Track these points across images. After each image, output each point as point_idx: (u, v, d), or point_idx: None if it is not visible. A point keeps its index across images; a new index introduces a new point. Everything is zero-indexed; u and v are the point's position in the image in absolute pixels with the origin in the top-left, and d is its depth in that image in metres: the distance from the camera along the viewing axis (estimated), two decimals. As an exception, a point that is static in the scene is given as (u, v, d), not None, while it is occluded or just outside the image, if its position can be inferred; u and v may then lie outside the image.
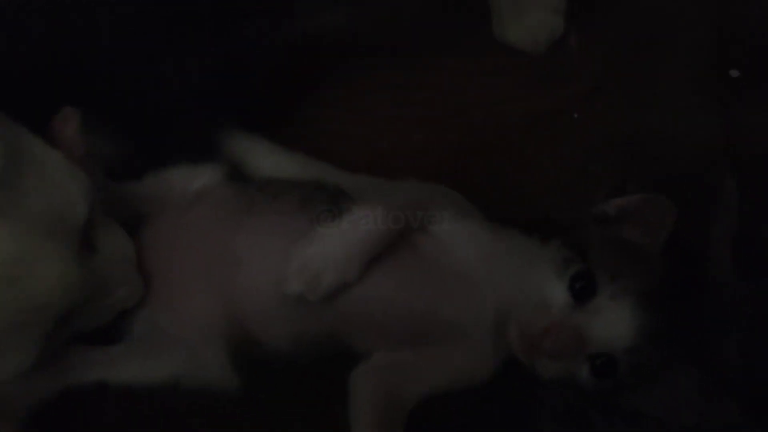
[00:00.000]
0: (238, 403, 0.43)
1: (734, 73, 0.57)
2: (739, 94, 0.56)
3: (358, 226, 0.41)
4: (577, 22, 0.59)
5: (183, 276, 0.44)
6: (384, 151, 0.55)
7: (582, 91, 0.57)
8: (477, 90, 0.58)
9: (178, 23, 0.47)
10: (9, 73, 0.42)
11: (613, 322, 0.39)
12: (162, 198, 0.48)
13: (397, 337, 0.43)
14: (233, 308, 0.43)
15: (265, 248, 0.43)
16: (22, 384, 0.39)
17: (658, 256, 0.43)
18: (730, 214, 0.49)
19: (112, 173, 0.47)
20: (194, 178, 0.48)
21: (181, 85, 0.48)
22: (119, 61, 0.46)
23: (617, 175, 0.52)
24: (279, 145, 0.52)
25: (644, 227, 0.43)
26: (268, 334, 0.43)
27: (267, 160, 0.51)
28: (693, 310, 0.44)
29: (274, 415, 0.44)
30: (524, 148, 0.55)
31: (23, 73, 0.43)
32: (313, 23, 0.53)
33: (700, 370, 0.42)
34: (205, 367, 0.43)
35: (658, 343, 0.40)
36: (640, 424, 0.43)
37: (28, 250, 0.35)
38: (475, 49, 0.60)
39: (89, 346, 0.43)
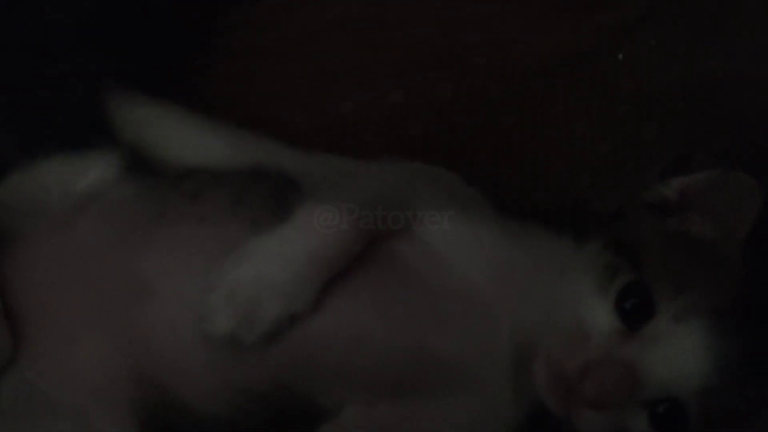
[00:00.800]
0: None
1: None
2: None
3: (310, 233, 0.38)
4: None
5: (68, 315, 0.42)
6: (348, 117, 0.52)
7: (627, 22, 0.53)
8: (478, 25, 0.54)
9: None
10: None
11: (679, 353, 0.37)
12: (33, 205, 0.45)
13: (376, 386, 0.41)
14: (140, 358, 0.41)
15: (183, 271, 0.41)
16: None
17: (738, 257, 0.40)
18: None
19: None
20: (79, 174, 0.46)
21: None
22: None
23: (680, 140, 0.50)
24: (197, 115, 0.49)
25: (717, 217, 0.41)
26: (193, 393, 0.40)
27: (181, 138, 0.48)
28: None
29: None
30: (547, 107, 0.52)
31: None
32: None
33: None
34: None
35: (742, 381, 0.37)
36: None
37: None
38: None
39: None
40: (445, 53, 0.53)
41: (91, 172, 0.46)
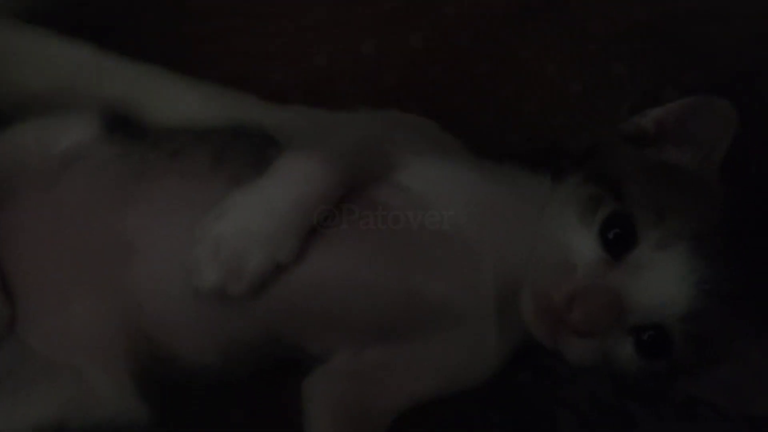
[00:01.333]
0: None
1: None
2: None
3: (289, 183, 0.38)
4: None
5: (58, 276, 0.41)
6: (323, 70, 0.51)
7: (593, -38, 0.50)
8: (447, -27, 0.51)
9: None
10: None
11: (663, 279, 0.36)
12: (13, 170, 0.43)
13: (364, 331, 0.40)
14: (132, 314, 0.40)
15: (167, 227, 0.40)
16: None
17: (716, 183, 0.40)
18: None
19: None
20: (58, 135, 0.44)
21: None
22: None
23: (649, 77, 0.49)
24: (176, 74, 0.48)
25: (694, 144, 0.40)
26: (185, 345, 0.40)
27: (162, 96, 0.47)
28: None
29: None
30: (518, 51, 0.51)
31: None
32: None
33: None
34: (100, 397, 0.40)
35: (725, 306, 0.37)
36: (695, 417, 0.42)
37: None
38: None
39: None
40: (415, 3, 0.52)
41: (71, 133, 0.44)
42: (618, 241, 0.37)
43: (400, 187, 0.41)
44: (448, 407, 0.41)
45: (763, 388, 0.39)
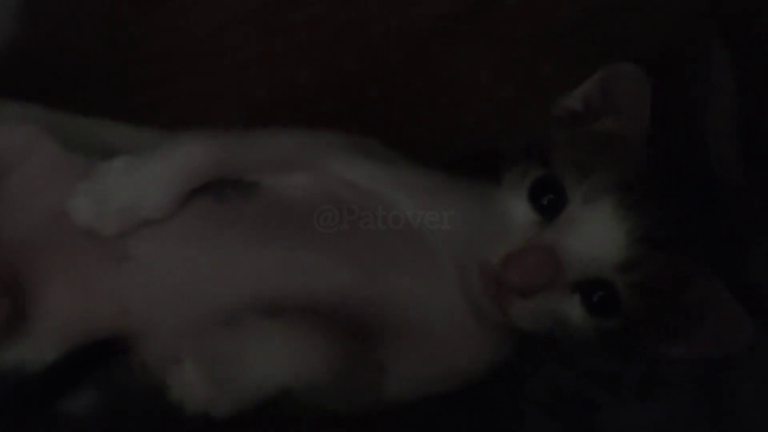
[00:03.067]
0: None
1: None
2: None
3: (169, 150, 0.41)
4: None
5: (40, 264, 0.41)
6: (262, 103, 0.52)
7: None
8: (371, -4, 0.53)
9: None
10: None
11: (593, 231, 0.36)
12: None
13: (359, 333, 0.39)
14: (112, 316, 0.40)
15: (162, 242, 0.41)
16: None
17: (644, 142, 0.39)
18: (726, 94, 0.46)
19: None
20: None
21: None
22: None
23: (576, 72, 0.45)
24: (121, 124, 0.48)
25: (619, 109, 0.40)
26: (156, 354, 0.39)
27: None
28: (700, 209, 0.40)
29: None
30: (450, 62, 0.51)
31: None
32: None
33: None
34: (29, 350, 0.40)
35: (661, 252, 0.36)
36: (650, 396, 0.43)
37: None
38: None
39: None
40: (345, 27, 0.52)
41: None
42: (549, 204, 0.37)
43: (351, 184, 0.41)
44: (414, 409, 0.40)
45: (737, 323, 0.38)
